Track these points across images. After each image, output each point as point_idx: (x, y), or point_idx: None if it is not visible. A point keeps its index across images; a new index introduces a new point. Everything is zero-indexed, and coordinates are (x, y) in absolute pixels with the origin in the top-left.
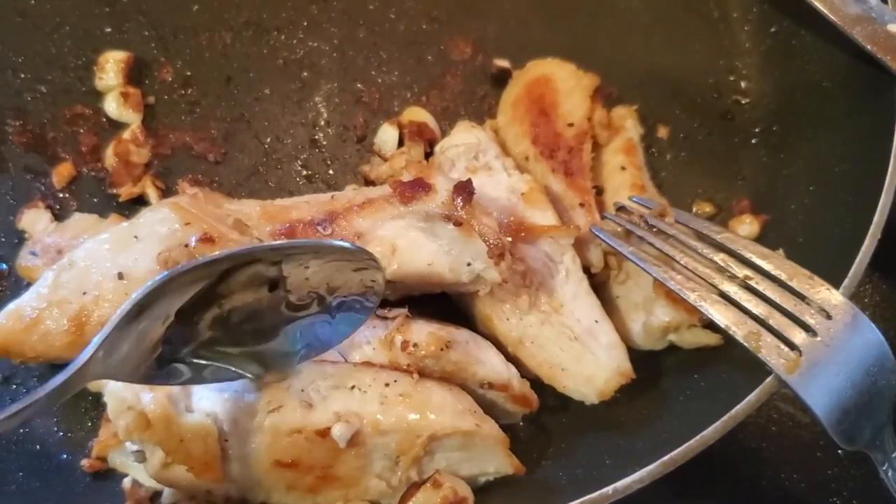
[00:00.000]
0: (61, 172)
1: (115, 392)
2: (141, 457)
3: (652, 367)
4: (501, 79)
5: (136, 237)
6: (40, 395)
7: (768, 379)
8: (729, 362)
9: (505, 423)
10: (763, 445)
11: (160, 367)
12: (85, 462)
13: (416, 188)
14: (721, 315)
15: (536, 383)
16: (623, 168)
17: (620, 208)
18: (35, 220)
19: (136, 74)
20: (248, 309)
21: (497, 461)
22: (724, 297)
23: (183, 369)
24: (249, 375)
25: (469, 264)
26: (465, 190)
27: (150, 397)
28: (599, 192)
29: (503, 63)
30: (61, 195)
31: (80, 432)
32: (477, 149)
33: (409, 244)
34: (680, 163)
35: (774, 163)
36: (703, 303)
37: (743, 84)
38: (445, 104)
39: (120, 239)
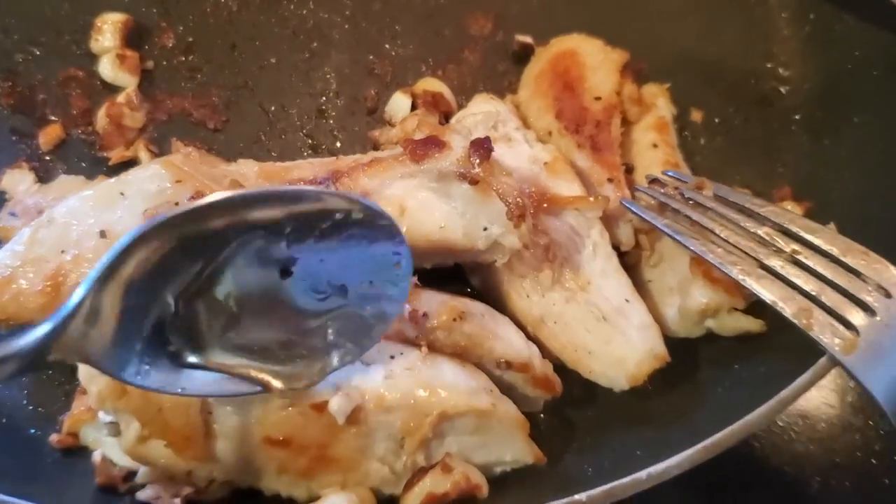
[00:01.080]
0: (49, 134)
1: None
2: (115, 430)
3: (687, 358)
4: (523, 56)
5: (122, 194)
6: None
7: (821, 360)
8: (774, 352)
9: (524, 411)
10: (810, 449)
11: (162, 368)
12: (54, 437)
13: (429, 145)
14: (767, 290)
15: (560, 371)
16: (655, 145)
17: (654, 181)
18: (17, 180)
19: (135, 39)
20: (261, 300)
21: (515, 448)
22: (771, 272)
23: (190, 376)
24: (270, 387)
25: (486, 229)
26: (482, 146)
27: None
28: (629, 170)
29: (525, 38)
30: (47, 158)
31: (51, 406)
32: (496, 118)
33: (420, 205)
34: (715, 147)
35: (817, 149)
36: (747, 277)
37: (781, 71)
38: (463, 79)
39: (105, 195)
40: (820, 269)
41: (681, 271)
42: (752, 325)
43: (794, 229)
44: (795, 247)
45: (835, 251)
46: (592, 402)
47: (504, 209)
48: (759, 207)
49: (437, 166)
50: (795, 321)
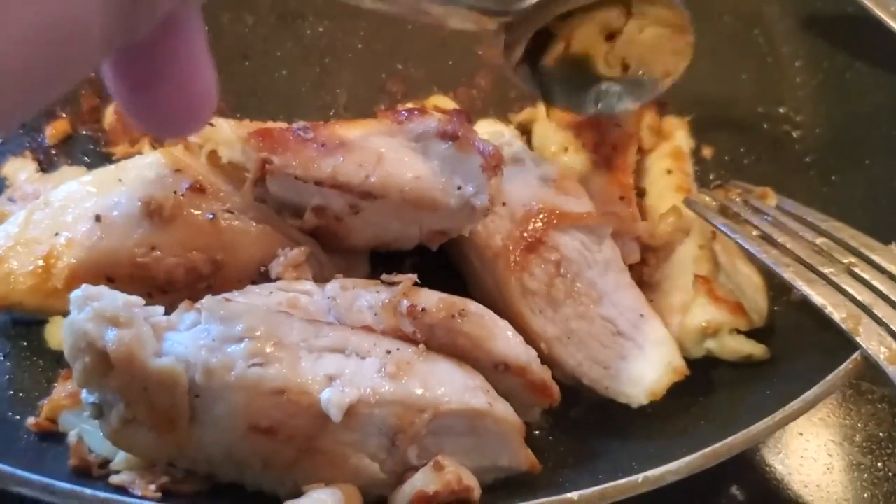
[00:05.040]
0: (57, 128)
1: (76, 325)
2: (97, 411)
3: (692, 379)
4: None
5: (120, 180)
6: None
7: (829, 377)
8: (781, 378)
9: None
10: (818, 487)
11: None
12: (31, 420)
13: (411, 111)
14: (817, 294)
15: (566, 389)
16: (669, 171)
17: (718, 186)
18: (19, 168)
19: None
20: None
21: (510, 452)
22: (824, 278)
23: None
24: None
25: (459, 188)
26: (461, 113)
27: (113, 335)
28: (640, 194)
29: None
30: (52, 151)
31: (32, 393)
32: (501, 140)
33: (397, 157)
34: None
35: (829, 191)
36: (798, 280)
37: (793, 115)
38: (473, 102)
39: (103, 180)
40: (875, 284)
41: (685, 290)
42: (754, 349)
43: (854, 244)
44: (853, 259)
45: (893, 270)
46: (590, 417)
47: (480, 161)
48: (821, 221)
49: (418, 128)
50: (842, 325)
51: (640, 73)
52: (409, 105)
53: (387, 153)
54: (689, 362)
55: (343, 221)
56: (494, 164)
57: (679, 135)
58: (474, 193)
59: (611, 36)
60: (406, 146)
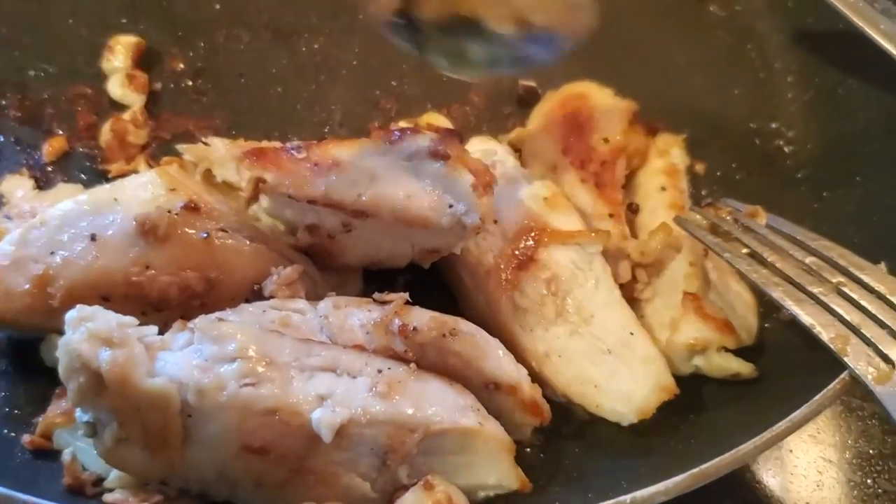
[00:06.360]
0: (53, 145)
1: (70, 345)
2: (91, 430)
3: (680, 396)
4: (528, 100)
5: (115, 199)
6: None
7: (816, 396)
8: (770, 397)
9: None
10: None
11: None
12: (26, 437)
13: (404, 130)
14: (806, 314)
15: (555, 406)
16: (663, 188)
17: (708, 205)
18: (15, 186)
19: (146, 61)
20: None
21: (500, 471)
22: (813, 297)
23: None
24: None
25: (451, 206)
26: (453, 133)
27: (107, 355)
28: (634, 210)
29: (530, 83)
30: (49, 168)
31: (27, 409)
32: (493, 157)
33: (389, 177)
34: (717, 199)
35: (820, 206)
36: (787, 300)
37: (785, 131)
38: (467, 119)
39: (99, 200)
40: (864, 304)
41: (674, 307)
42: (741, 367)
43: (843, 263)
44: (842, 279)
45: (882, 290)
46: (581, 435)
47: (471, 180)
48: (811, 241)
49: (410, 148)
50: (830, 346)
51: (536, 26)
52: (403, 122)
53: (379, 172)
54: (679, 380)
55: (336, 239)
56: (485, 183)
57: (674, 152)
58: (465, 212)
59: None
60: (398, 165)
